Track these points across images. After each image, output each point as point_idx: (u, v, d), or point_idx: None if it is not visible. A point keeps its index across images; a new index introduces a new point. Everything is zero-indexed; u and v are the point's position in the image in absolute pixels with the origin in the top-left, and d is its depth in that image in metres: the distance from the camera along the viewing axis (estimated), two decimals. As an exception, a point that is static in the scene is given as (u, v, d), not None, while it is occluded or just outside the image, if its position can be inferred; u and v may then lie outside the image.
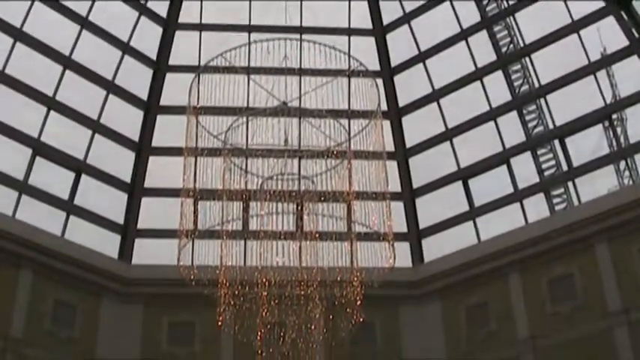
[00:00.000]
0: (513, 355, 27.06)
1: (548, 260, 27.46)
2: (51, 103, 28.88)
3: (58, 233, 28.28)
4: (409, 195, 31.55)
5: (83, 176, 29.56)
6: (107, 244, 29.76)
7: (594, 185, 28.48)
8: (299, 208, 19.64)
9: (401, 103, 32.54)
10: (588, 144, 29.66)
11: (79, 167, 29.51)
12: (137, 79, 31.31)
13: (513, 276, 28.02)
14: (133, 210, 30.49)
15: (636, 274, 25.49)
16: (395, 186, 30.44)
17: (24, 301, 26.08)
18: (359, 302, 18.64)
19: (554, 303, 26.93)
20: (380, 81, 30.87)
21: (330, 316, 20.52)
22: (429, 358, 28.67)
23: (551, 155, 29.87)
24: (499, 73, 30.77)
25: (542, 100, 29.97)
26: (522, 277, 27.86)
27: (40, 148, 28.48)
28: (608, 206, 26.43)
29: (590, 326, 25.89)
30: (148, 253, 30.07)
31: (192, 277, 19.85)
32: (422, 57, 32.28)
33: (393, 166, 30.98)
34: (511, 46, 30.72)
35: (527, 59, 30.39)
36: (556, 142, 29.54)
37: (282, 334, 20.66)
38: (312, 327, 20.47)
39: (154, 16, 31.73)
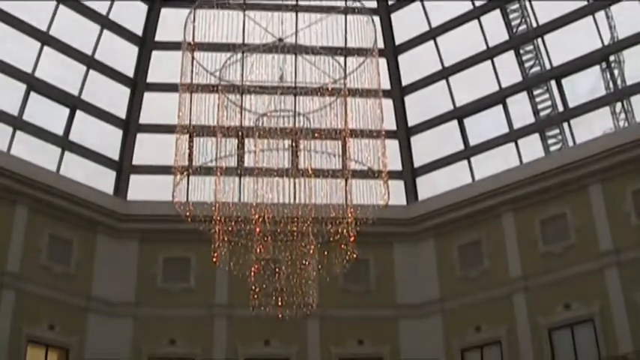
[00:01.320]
0: (505, 294, 27.38)
1: (542, 200, 27.61)
2: (45, 39, 28.64)
3: (53, 169, 28.29)
4: (404, 133, 31.54)
5: (78, 112, 29.45)
6: (102, 180, 29.83)
7: (590, 127, 28.47)
8: (294, 144, 19.63)
9: (398, 41, 32.31)
10: (585, 85, 29.60)
11: (73, 103, 29.39)
12: (132, 14, 31.01)
13: (507, 215, 28.20)
14: (128, 146, 30.48)
15: (629, 216, 25.66)
16: (390, 124, 30.40)
17: (20, 236, 26.19)
18: (353, 239, 18.74)
19: (547, 242, 27.16)
20: (377, 18, 30.64)
21: (325, 252, 20.62)
22: (422, 296, 29.02)
23: (547, 96, 29.80)
24: (497, 13, 30.51)
25: (540, 41, 29.80)
26: (515, 216, 28.05)
27: (34, 84, 28.33)
28: (602, 148, 26.50)
29: (581, 266, 26.13)
30: (143, 189, 30.16)
31: (187, 213, 19.90)
32: (419, -6, 32.02)
33: (388, 104, 30.86)
34: (509, -16, 30.45)
35: (525, -2, 30.18)
36: (552, 82, 29.44)
37: (276, 270, 20.81)
38: (306, 263, 20.61)
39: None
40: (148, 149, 30.47)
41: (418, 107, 31.58)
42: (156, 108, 30.72)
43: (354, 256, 19.12)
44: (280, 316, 21.08)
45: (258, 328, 27.20)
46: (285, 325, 25.07)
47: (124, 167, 30.26)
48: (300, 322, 26.98)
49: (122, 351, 27.41)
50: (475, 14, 30.79)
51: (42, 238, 26.84)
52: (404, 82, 31.99)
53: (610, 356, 24.35)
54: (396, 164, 30.64)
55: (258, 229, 19.26)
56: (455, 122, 31.03)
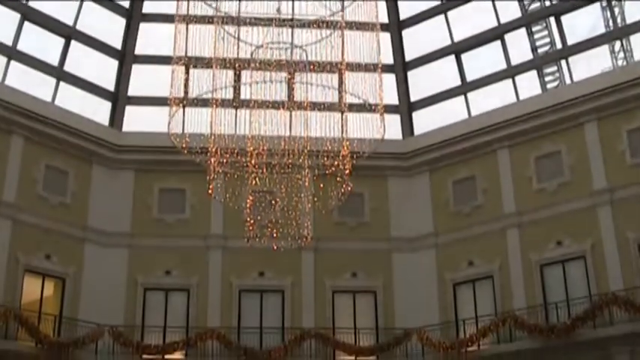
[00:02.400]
0: (498, 229, 27.60)
1: (537, 137, 27.67)
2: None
3: (48, 100, 28.19)
4: (401, 67, 31.40)
5: (73, 43, 29.23)
6: (98, 111, 29.77)
7: (588, 65, 28.38)
8: (290, 77, 19.52)
9: (396, -26, 31.98)
10: (585, 23, 29.44)
11: (68, 33, 29.15)
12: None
13: (502, 151, 28.28)
14: (123, 77, 30.33)
15: (623, 155, 25.76)
16: (387, 58, 30.28)
17: (15, 166, 26.27)
18: (348, 172, 18.77)
19: (541, 179, 27.29)
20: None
21: (321, 185, 20.68)
22: (416, 230, 29.22)
23: (546, 32, 29.61)
24: (498, -54, 30.15)
25: (540, -24, 29.53)
26: (511, 152, 28.13)
27: (29, 14, 28.06)
28: (599, 86, 26.46)
29: (574, 204, 26.31)
30: (138, 120, 30.11)
31: (183, 144, 19.88)
32: None
33: (386, 38, 30.66)
34: None
35: None
36: (552, 19, 29.20)
37: (271, 202, 20.89)
38: (301, 196, 20.70)
39: None
40: (144, 80, 30.33)
41: (416, 41, 31.37)
42: (152, 39, 30.49)
43: (349, 189, 19.16)
44: (275, 247, 21.23)
45: (252, 259, 27.48)
46: (279, 256, 25.36)
47: (119, 98, 30.16)
48: (295, 254, 27.25)
49: (118, 281, 27.72)
50: (475, -53, 30.42)
51: (38, 169, 26.90)
52: (402, 16, 31.72)
53: (600, 293, 24.62)
54: (392, 98, 30.60)
55: (253, 161, 19.26)
56: (452, 57, 30.83)
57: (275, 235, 20.84)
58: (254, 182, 19.32)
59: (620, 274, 24.78)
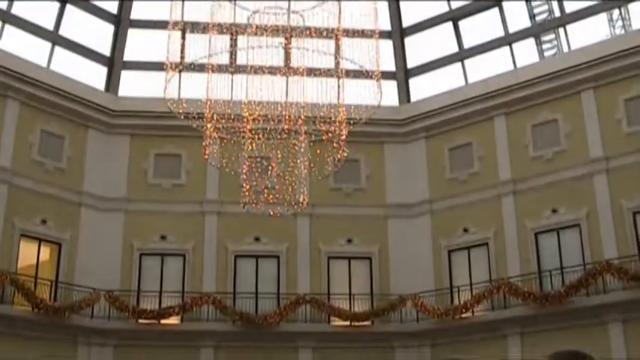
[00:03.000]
0: (494, 196, 27.66)
1: (534, 105, 27.66)
2: None
3: (43, 65, 28.05)
4: (398, 34, 31.25)
5: (68, 6, 29.00)
6: (93, 76, 29.64)
7: (586, 34, 28.23)
8: (287, 43, 19.42)
9: (393, -61, 31.72)
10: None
11: (64, -3, 28.98)
12: None
13: (498, 119, 28.26)
14: (119, 42, 30.15)
15: (620, 123, 25.77)
16: (385, 24, 30.16)
17: (11, 131, 26.21)
18: (343, 138, 18.74)
19: (537, 147, 27.31)
20: None
21: (318, 151, 20.66)
22: (412, 196, 29.28)
23: (544, 0, 29.45)
24: None
25: (540, -59, 29.33)
26: (507, 120, 28.13)
27: (24, -24, 27.89)
28: (597, 55, 26.40)
29: (570, 172, 26.37)
30: (134, 85, 30.01)
31: (179, 110, 19.82)
32: None
33: (383, 4, 30.55)
34: None
35: None
36: (550, -15, 29.09)
37: (267, 167, 20.88)
38: (297, 161, 20.69)
39: None
40: (140, 45, 30.16)
41: (413, 7, 31.17)
42: (148, 3, 30.27)
43: (345, 155, 19.15)
44: (271, 213, 21.23)
45: (248, 224, 27.58)
46: (275, 222, 25.44)
47: (115, 63, 30.03)
48: (290, 220, 27.35)
49: (114, 246, 27.81)
50: None
51: (34, 134, 26.84)
52: (400, -18, 31.54)
53: (594, 261, 24.73)
54: (389, 65, 30.51)
55: (249, 127, 19.21)
56: (450, 24, 30.69)
57: (271, 200, 20.85)
58: (250, 148, 19.28)
59: (615, 242, 24.90)
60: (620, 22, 29.06)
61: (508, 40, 29.45)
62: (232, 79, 22.05)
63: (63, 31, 28.82)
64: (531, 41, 29.56)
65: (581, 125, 26.55)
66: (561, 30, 28.94)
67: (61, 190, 27.18)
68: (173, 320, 26.86)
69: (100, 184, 28.13)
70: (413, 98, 30.81)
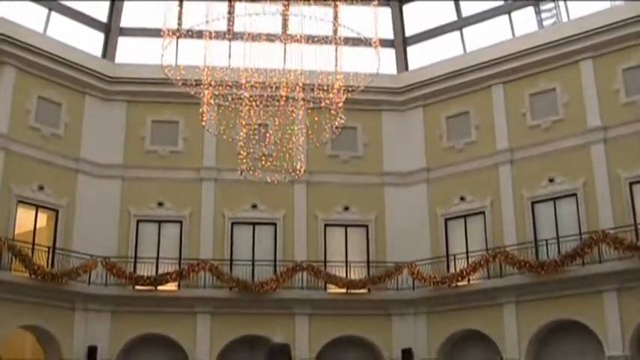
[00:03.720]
0: (491, 165, 27.69)
1: (532, 74, 27.59)
2: None
3: (40, 31, 27.88)
4: (397, 1, 31.09)
5: (65, -28, 28.84)
6: (90, 42, 29.44)
7: (585, 3, 28.01)
8: (285, 9, 19.33)
9: None
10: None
11: (60, -38, 28.75)
12: None
13: (496, 88, 28.20)
14: (116, 8, 29.95)
15: (618, 93, 25.73)
16: (383, -8, 30.01)
17: (7, 97, 26.12)
18: (341, 105, 18.72)
19: (535, 116, 27.29)
20: None
21: (316, 118, 20.66)
22: (409, 164, 29.29)
23: (544, -32, 29.32)
24: None
25: None
26: (505, 89, 28.07)
27: (19, -61, 27.64)
28: (596, 24, 26.28)
29: (567, 141, 26.37)
30: (131, 52, 29.83)
31: (177, 76, 19.77)
32: None
33: (382, -28, 30.37)
34: None
35: None
36: (550, -46, 28.89)
37: (265, 134, 20.88)
38: (295, 128, 20.67)
39: None
40: (138, 11, 29.96)
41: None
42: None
43: (342, 122, 19.14)
44: (268, 180, 21.27)
45: (245, 191, 27.61)
46: (272, 189, 25.51)
47: (112, 29, 29.87)
48: (287, 187, 27.38)
49: (111, 213, 27.84)
50: None
51: (30, 100, 26.75)
52: (399, -52, 31.31)
53: (590, 231, 24.81)
54: (387, 33, 30.40)
55: (247, 94, 19.19)
56: (449, -8, 30.57)
57: (268, 167, 20.87)
58: (248, 115, 19.27)
59: (611, 212, 24.96)
60: (621, -8, 28.87)
61: (507, 8, 29.34)
62: (230, 46, 22.03)
63: (59, -3, 28.65)
64: (530, 10, 29.40)
65: (579, 95, 26.52)
66: (560, -1, 28.79)
67: (58, 157, 27.15)
68: (170, 287, 26.96)
69: (97, 150, 28.09)
70: (411, 66, 30.72)
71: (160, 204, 28.10)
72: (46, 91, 27.21)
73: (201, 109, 19.81)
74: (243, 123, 19.91)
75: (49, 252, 25.93)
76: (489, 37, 29.29)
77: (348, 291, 27.49)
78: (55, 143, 27.22)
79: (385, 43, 28.87)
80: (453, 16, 30.40)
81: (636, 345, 23.90)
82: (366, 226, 28.79)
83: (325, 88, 19.30)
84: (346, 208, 28.77)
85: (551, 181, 26.40)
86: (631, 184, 24.88)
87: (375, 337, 27.55)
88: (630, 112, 25.32)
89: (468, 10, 30.21)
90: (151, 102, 28.87)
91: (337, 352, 27.21)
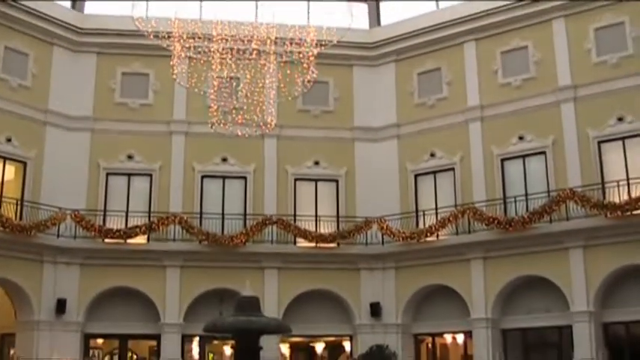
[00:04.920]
0: (462, 122, 27.78)
1: (505, 32, 27.59)
2: None
3: (8, -21, 27.43)
4: (371, -45, 30.89)
5: None
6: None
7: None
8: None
9: None
10: None
11: None
12: None
13: (468, 45, 28.19)
14: (86, -43, 29.51)
15: (589, 53, 25.83)
16: (356, -55, 29.73)
17: (-27, 48, 25.76)
18: (312, 59, 18.64)
19: (506, 74, 27.36)
20: None
21: (288, 72, 20.58)
22: (380, 120, 29.30)
23: None
24: None
25: None
26: (477, 46, 28.07)
27: None
28: (569, -17, 26.31)
29: (538, 99, 26.50)
30: (101, 3, 29.40)
31: (147, 28, 19.54)
32: None
33: None
34: None
35: None
36: None
37: (235, 88, 20.75)
38: (266, 82, 20.57)
39: None
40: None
41: None
42: None
43: (314, 76, 19.08)
44: (238, 133, 21.19)
45: (215, 145, 27.46)
46: (242, 143, 25.44)
47: (81, -21, 29.40)
48: (258, 141, 27.27)
49: (80, 165, 27.63)
50: None
51: (-4, 50, 26.41)
52: None
53: (559, 189, 25.04)
54: (360, -13, 30.20)
55: (219, 47, 19.04)
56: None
57: (239, 121, 20.78)
58: (219, 68, 19.13)
59: (579, 170, 25.20)
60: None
61: (481, -36, 29.17)
62: (201, -2, 21.74)
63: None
64: (504, -33, 29.23)
65: (551, 53, 26.60)
66: (534, -44, 28.63)
67: (26, 108, 26.80)
68: (139, 240, 26.93)
69: (65, 102, 27.76)
70: (383, 22, 30.56)
71: (130, 157, 27.93)
72: (13, 42, 26.78)
73: (171, 62, 19.65)
74: (214, 76, 19.78)
75: (17, 204, 25.73)
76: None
77: (318, 245, 27.62)
78: (23, 94, 26.87)
79: (358, -3, 28.74)
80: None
81: (600, 301, 24.31)
82: (336, 181, 28.84)
83: (297, 41, 19.18)
84: (316, 163, 28.77)
85: (520, 138, 26.55)
86: (599, 142, 25.11)
87: (343, 291, 27.78)
88: (601, 71, 25.45)
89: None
90: (121, 54, 28.53)
91: (306, 305, 27.39)
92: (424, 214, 27.54)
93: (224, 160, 28.25)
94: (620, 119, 24.78)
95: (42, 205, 26.04)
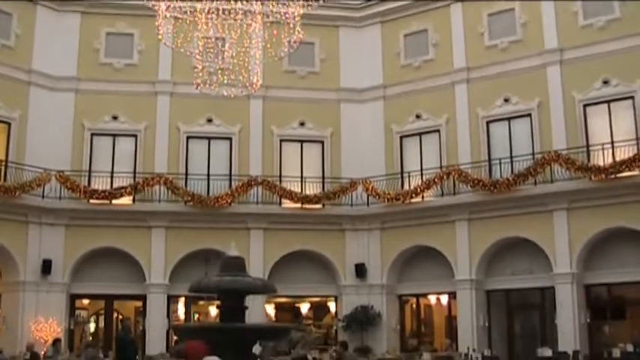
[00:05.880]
0: (448, 84, 27.75)
1: (491, -7, 27.51)
2: None
3: (-11, -64, 27.04)
4: None
5: None
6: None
7: None
8: None
9: None
10: None
11: None
12: None
13: (455, 6, 28.07)
14: None
15: (576, 15, 25.79)
16: None
17: (-45, 7, 25.44)
18: (299, 18, 18.54)
19: (493, 36, 27.30)
20: None
21: (274, 32, 20.42)
22: (365, 81, 29.19)
23: None
24: None
25: None
26: (464, 7, 27.95)
27: None
28: (556, -61, 26.16)
29: (524, 62, 26.49)
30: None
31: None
32: None
33: None
34: None
35: None
36: None
37: (221, 48, 20.62)
38: (252, 42, 20.43)
39: None
40: None
41: None
42: None
43: (300, 36, 18.97)
44: (224, 94, 21.09)
45: (200, 106, 27.35)
46: (228, 103, 25.45)
47: (65, -64, 29.00)
48: (243, 102, 27.15)
49: (65, 126, 27.48)
50: None
51: (-22, 10, 26.11)
52: None
53: (543, 151, 25.13)
54: (346, -52, 29.95)
55: (204, 7, 18.88)
56: None
57: (224, 81, 20.68)
58: (204, 28, 18.99)
59: (564, 133, 25.29)
60: None
61: None
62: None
63: None
64: None
65: (538, 16, 26.53)
66: None
67: (10, 69, 26.57)
68: (125, 200, 26.92)
69: (49, 62, 27.50)
70: (369, -18, 30.41)
71: (115, 117, 27.81)
72: (-3, 2, 26.53)
73: (157, 22, 19.49)
74: (200, 36, 19.66)
75: (1, 165, 25.63)
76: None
77: (303, 206, 27.68)
78: (6, 55, 26.62)
79: (344, -43, 28.54)
80: None
81: (583, 263, 24.54)
82: (322, 142, 28.85)
83: (283, 1, 19.04)
84: (302, 124, 28.74)
85: (506, 101, 26.58)
86: (585, 106, 25.18)
87: (328, 252, 27.93)
88: (587, 34, 25.43)
89: None
90: (106, 14, 28.27)
91: (291, 266, 27.52)
92: (409, 176, 27.64)
93: (209, 120, 28.17)
94: (606, 82, 24.82)
95: (26, 166, 25.92)
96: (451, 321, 27.43)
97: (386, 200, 27.30)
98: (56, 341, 23.72)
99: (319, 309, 30.45)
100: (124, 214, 26.87)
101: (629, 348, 21.58)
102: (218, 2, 19.07)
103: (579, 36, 25.54)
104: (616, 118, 24.70)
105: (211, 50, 20.21)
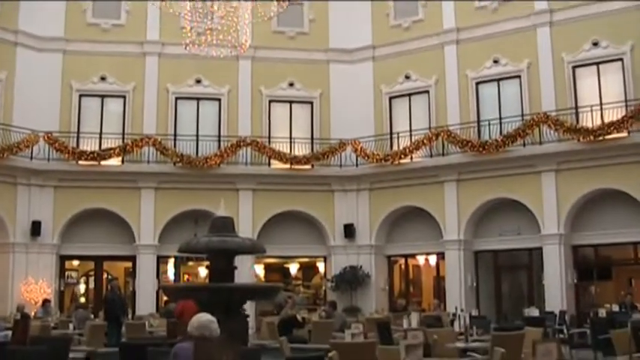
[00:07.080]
0: (437, 44, 27.66)
1: (481, -48, 27.32)
2: None
3: None
4: None
5: None
6: None
7: None
8: None
9: None
10: None
11: None
12: None
13: (444, -34, 27.93)
14: None
15: (565, -24, 25.68)
16: None
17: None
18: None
19: (482, -4, 27.20)
20: None
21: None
22: (355, 41, 29.00)
23: None
24: None
25: None
26: (453, -33, 27.80)
27: None
28: None
29: (514, 23, 26.39)
30: None
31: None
32: None
33: None
34: None
35: None
36: None
37: (210, 8, 20.46)
38: (241, 2, 20.29)
39: None
40: None
41: None
42: None
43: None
44: (213, 54, 20.98)
45: (189, 66, 27.23)
46: (216, 64, 25.40)
47: None
48: (232, 63, 27.07)
49: (52, 87, 27.31)
50: None
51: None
52: None
53: (533, 113, 25.15)
54: None
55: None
56: None
57: (213, 42, 20.56)
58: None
59: (554, 94, 25.30)
60: None
61: None
62: None
63: None
64: None
65: (527, -24, 26.41)
66: None
67: (-5, 29, 26.41)
68: (113, 161, 26.89)
69: (36, 23, 27.21)
70: (359, -58, 30.15)
71: (103, 78, 27.66)
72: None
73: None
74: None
75: (-12, 126, 25.55)
76: None
77: (292, 167, 27.70)
78: (-7, 14, 26.43)
79: None
80: None
81: (570, 224, 24.69)
82: (311, 103, 28.79)
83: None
84: (291, 85, 28.66)
85: (495, 62, 26.54)
86: (574, 67, 25.17)
87: (317, 212, 28.02)
88: (576, -4, 25.38)
89: None
90: (95, -25, 28.07)
91: (280, 226, 27.59)
92: (398, 137, 27.66)
93: (198, 81, 28.06)
94: (595, 44, 24.79)
95: (14, 127, 25.81)
96: (439, 281, 27.64)
97: (375, 161, 27.34)
98: (45, 302, 23.75)
99: (308, 269, 30.63)
100: (113, 175, 26.84)
101: (615, 308, 21.78)
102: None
103: (569, -3, 25.49)
104: (605, 79, 24.71)
105: (200, 10, 20.08)
